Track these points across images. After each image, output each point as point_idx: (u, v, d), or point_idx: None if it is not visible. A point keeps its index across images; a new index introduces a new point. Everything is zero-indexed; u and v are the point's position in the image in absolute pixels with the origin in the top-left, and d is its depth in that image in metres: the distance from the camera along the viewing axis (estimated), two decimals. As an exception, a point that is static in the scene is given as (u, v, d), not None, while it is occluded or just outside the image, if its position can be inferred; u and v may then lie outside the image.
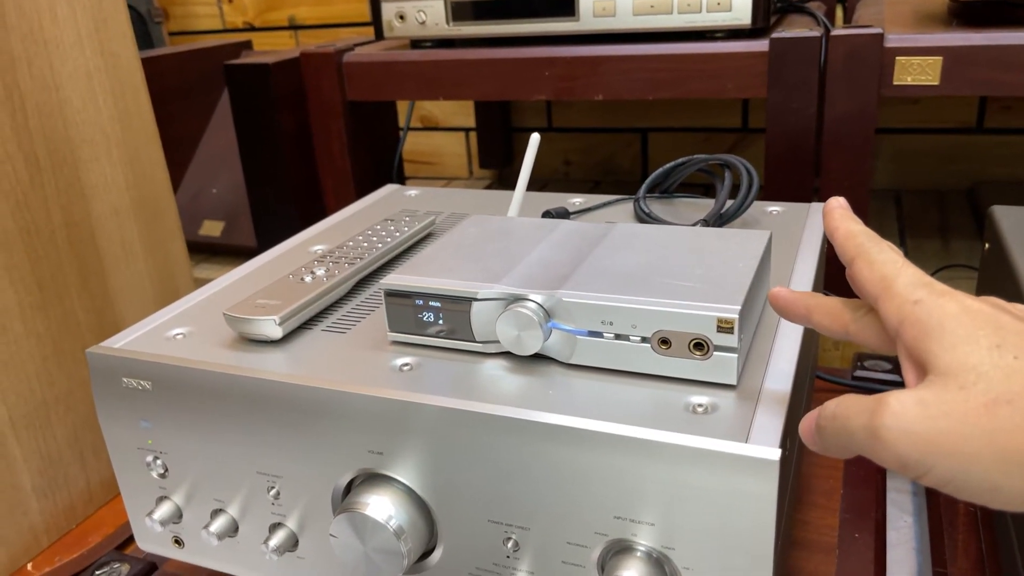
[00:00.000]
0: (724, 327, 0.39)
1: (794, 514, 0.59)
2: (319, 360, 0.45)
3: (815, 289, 0.54)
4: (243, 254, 1.13)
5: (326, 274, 0.52)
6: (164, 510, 0.49)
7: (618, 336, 0.41)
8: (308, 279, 0.51)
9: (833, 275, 0.79)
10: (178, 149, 1.24)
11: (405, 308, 0.45)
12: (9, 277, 0.65)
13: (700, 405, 0.38)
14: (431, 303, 0.44)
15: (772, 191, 0.81)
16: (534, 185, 1.40)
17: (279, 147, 1.00)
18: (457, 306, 0.44)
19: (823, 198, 0.78)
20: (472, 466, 0.40)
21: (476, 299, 0.43)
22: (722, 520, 0.36)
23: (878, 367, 0.78)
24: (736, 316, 0.38)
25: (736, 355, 0.39)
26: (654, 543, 0.38)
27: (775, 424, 0.37)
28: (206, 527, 0.48)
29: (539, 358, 0.44)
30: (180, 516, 0.50)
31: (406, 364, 0.44)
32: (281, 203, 1.03)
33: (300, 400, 0.43)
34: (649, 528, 0.37)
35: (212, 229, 1.16)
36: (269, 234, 1.06)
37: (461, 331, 0.44)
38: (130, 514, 0.52)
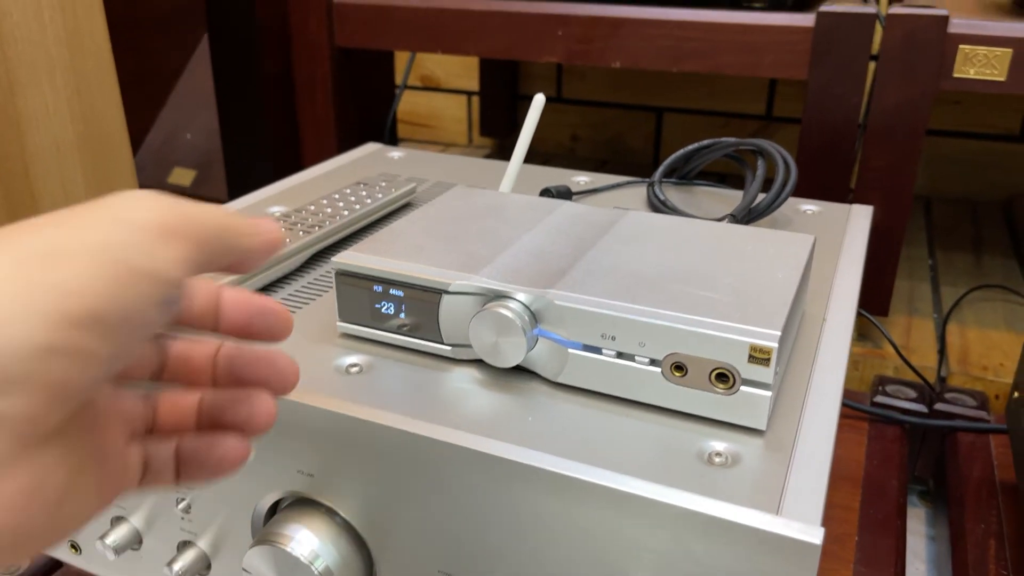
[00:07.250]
0: (758, 357, 0.30)
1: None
2: (249, 349, 0.36)
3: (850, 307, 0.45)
4: (214, 207, 1.03)
5: (275, 242, 0.43)
6: (55, 510, 0.41)
7: (621, 355, 0.32)
8: (252, 246, 0.42)
9: (871, 290, 0.70)
10: (154, 86, 1.15)
11: (360, 294, 0.37)
12: (-80, 212, 0.56)
13: (719, 453, 0.30)
14: (392, 291, 0.36)
15: (801, 187, 0.72)
16: (536, 159, 1.31)
17: (259, 91, 0.90)
18: (424, 298, 0.35)
19: (860, 200, 0.70)
20: (423, 503, 0.32)
21: (447, 292, 0.35)
22: (736, 608, 0.28)
23: (901, 393, 0.70)
24: (775, 345, 0.30)
25: (769, 393, 0.31)
26: (645, 627, 0.29)
27: (816, 489, 0.28)
28: (102, 537, 0.39)
29: (520, 372, 0.35)
30: (75, 518, 0.41)
31: (355, 365, 0.35)
32: (257, 155, 0.94)
33: (217, 399, 0.34)
34: (641, 608, 0.29)
35: (182, 178, 1.06)
36: (242, 188, 0.96)
37: (427, 329, 0.36)
38: (19, 508, 0.43)
